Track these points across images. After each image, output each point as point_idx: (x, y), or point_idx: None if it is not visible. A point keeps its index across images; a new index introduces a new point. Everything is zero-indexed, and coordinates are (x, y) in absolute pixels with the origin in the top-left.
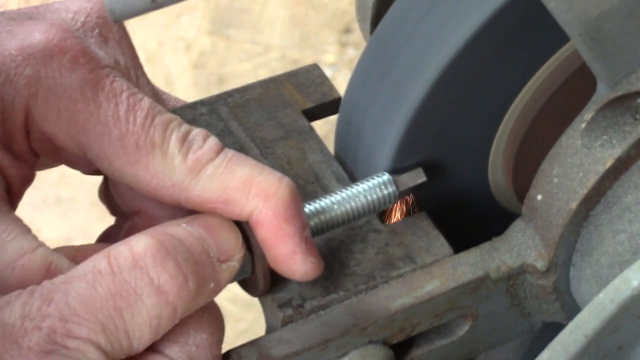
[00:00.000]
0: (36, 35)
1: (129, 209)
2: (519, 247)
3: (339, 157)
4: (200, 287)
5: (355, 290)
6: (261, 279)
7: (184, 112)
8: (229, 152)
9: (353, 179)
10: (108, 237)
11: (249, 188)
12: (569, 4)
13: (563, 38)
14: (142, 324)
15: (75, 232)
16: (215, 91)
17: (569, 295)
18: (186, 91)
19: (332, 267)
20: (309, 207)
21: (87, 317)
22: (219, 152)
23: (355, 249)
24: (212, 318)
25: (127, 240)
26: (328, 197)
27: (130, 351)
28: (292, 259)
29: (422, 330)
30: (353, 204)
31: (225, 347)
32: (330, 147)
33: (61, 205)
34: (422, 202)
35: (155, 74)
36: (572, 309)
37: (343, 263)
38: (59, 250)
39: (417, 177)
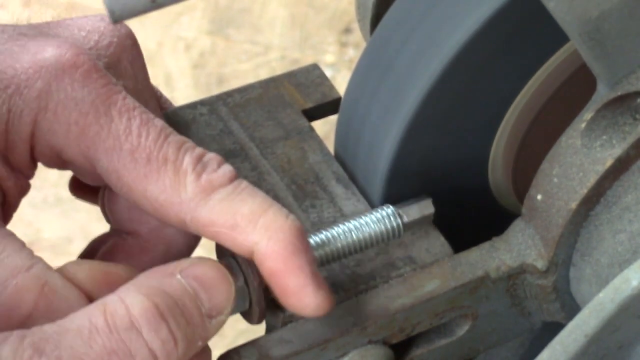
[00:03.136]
0: (49, 49)
1: (121, 229)
2: (519, 247)
3: (339, 157)
4: (188, 348)
5: (355, 290)
6: (256, 310)
7: (183, 112)
8: (242, 182)
9: (353, 179)
10: (99, 245)
11: (257, 218)
12: (568, 4)
13: (563, 38)
14: None
15: (75, 232)
16: (215, 91)
17: (568, 295)
18: (186, 91)
19: (332, 267)
20: (312, 239)
21: None
22: (232, 179)
23: None
24: None
25: (122, 296)
26: (331, 229)
27: None
28: (303, 292)
29: (422, 330)
30: (355, 237)
31: (225, 347)
32: (330, 147)
33: (61, 205)
34: None
35: (155, 74)
36: (572, 309)
37: (343, 263)
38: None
39: (425, 208)
